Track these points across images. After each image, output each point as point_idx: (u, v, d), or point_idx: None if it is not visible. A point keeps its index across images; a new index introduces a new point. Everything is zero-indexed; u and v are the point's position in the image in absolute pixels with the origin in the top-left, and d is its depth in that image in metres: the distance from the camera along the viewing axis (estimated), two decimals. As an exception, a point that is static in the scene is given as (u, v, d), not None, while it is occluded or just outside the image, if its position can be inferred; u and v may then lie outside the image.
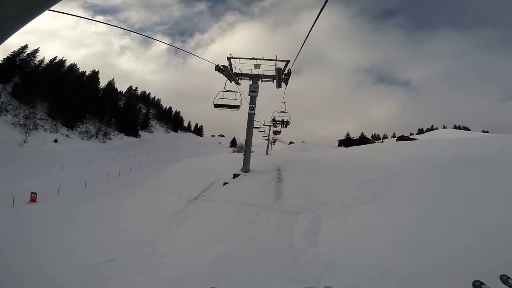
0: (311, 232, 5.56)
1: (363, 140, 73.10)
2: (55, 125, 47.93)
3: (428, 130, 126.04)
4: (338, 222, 5.79)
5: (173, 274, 5.16)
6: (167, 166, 32.89)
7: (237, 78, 11.90)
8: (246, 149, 12.10)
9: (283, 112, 18.93)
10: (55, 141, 43.92)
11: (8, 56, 48.54)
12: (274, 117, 23.10)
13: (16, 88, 45.49)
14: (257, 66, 11.39)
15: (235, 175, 11.07)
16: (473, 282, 2.53)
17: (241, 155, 12.73)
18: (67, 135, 48.42)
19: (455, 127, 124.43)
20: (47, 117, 48.36)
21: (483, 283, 2.49)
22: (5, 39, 0.83)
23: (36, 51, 52.45)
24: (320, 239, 5.32)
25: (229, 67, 11.18)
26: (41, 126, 44.86)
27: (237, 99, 11.13)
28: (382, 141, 76.17)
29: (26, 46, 51.00)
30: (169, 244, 6.56)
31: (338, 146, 77.96)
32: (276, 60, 11.02)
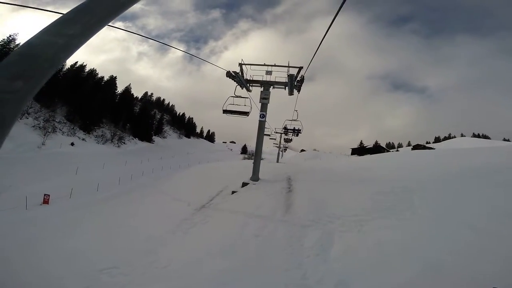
0: (322, 248, 5.18)
1: (377, 148, 71.64)
2: (73, 128, 49.48)
3: (445, 138, 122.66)
4: (351, 237, 5.40)
5: (173, 286, 4.90)
6: (178, 171, 33.14)
7: (248, 84, 11.73)
8: (255, 157, 11.79)
9: (294, 120, 18.92)
10: (72, 144, 45.25)
11: None
12: (286, 125, 23.45)
13: (39, 91, 47.13)
14: (268, 73, 11.17)
15: (244, 184, 10.79)
16: None
17: (251, 163, 12.48)
18: (83, 139, 49.80)
19: (474, 136, 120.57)
20: (65, 121, 50.09)
21: None
22: (70, 55, 0.86)
23: None
24: (332, 256, 4.94)
25: (240, 73, 11.00)
26: (60, 129, 46.44)
27: (247, 105, 10.93)
28: (397, 150, 74.10)
29: None
30: (173, 253, 6.31)
31: (351, 154, 76.51)
32: (289, 67, 10.75)
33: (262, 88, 11.73)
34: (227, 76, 10.89)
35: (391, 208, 6.35)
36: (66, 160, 35.31)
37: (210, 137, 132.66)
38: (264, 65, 11.18)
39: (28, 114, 42.90)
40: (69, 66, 57.53)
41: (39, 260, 7.26)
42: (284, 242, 5.44)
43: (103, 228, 9.97)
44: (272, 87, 11.80)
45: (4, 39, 45.16)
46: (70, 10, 0.88)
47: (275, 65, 11.13)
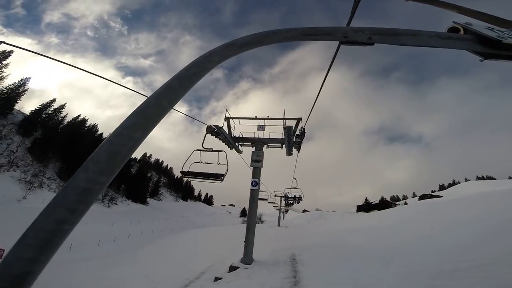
0: None
1: (384, 204, 68.34)
2: (62, 185, 47.08)
3: (450, 185, 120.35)
4: None
5: None
6: (169, 235, 30.86)
7: (237, 144, 9.67)
8: (248, 234, 8.82)
9: (294, 188, 19.66)
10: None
11: (36, 109, 51.19)
12: (286, 193, 24.68)
13: (34, 144, 46.57)
14: (261, 128, 9.07)
15: (232, 268, 8.19)
16: None
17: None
18: (70, 197, 47.34)
19: (478, 178, 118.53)
20: (56, 177, 48.35)
21: None
22: (132, 154, 1.03)
23: (62, 106, 55.39)
24: None
25: (227, 129, 8.98)
26: (47, 185, 44.48)
27: (222, 164, 7.26)
28: (405, 203, 70.38)
29: (54, 100, 54.21)
30: None
31: (357, 211, 72.74)
32: (285, 119, 8.69)
33: (254, 147, 9.47)
34: (207, 133, 8.11)
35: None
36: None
37: (208, 200, 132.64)
38: (256, 118, 9.23)
39: (17, 167, 41.33)
40: (71, 119, 57.68)
41: None
42: None
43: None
44: (266, 146, 9.67)
45: (15, 82, 46.85)
46: (133, 112, 1.02)
47: (268, 118, 9.18)
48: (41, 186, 42.46)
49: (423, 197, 79.11)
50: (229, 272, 8.07)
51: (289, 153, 9.95)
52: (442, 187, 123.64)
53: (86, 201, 0.82)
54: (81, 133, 57.08)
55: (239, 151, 9.89)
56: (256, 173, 9.04)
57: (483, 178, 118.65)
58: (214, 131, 8.35)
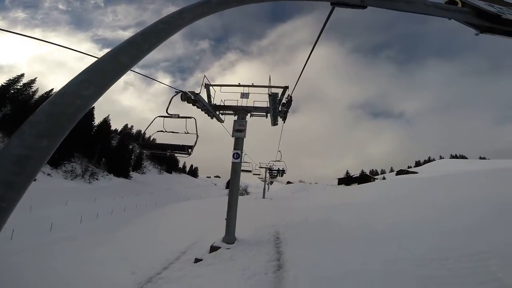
0: None
1: (363, 177, 70.73)
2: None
3: (425, 162, 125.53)
4: None
5: None
6: (151, 211, 30.23)
7: (218, 112, 8.78)
8: (229, 211, 8.23)
9: (278, 161, 20.42)
10: (34, 179, 40.93)
11: (2, 84, 47.58)
12: (270, 166, 25.68)
13: (4, 119, 43.44)
14: (244, 96, 8.11)
15: (214, 248, 7.67)
16: None
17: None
18: (49, 174, 45.04)
19: (452, 157, 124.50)
20: None
21: None
22: (84, 113, 0.93)
23: (32, 81, 51.83)
24: None
25: (207, 98, 8.06)
26: None
27: (191, 134, 6.03)
28: (384, 178, 73.22)
29: (22, 75, 50.68)
30: None
31: (338, 184, 75.05)
32: (271, 87, 7.70)
33: (236, 116, 8.69)
34: (182, 100, 7.06)
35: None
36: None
37: (193, 172, 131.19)
38: (239, 85, 8.27)
39: (-13, 144, 38.60)
40: (43, 93, 54.15)
41: None
42: None
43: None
44: (249, 114, 8.87)
45: None
46: (85, 70, 0.92)
47: (252, 85, 8.24)
48: (14, 164, 40.30)
49: (400, 172, 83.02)
50: (210, 252, 7.56)
51: (274, 122, 9.21)
52: (418, 163, 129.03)
53: (25, 172, 0.70)
54: (55, 106, 53.84)
55: (220, 120, 8.99)
56: (239, 144, 8.26)
57: (456, 157, 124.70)
58: (191, 98, 7.24)
